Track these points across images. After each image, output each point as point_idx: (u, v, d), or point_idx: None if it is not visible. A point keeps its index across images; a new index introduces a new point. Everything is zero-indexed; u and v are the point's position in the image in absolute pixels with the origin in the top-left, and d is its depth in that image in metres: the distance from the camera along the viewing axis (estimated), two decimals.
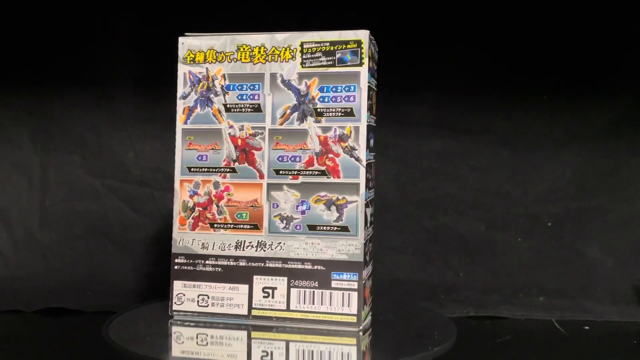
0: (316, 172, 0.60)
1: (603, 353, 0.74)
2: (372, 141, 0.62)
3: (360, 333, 0.58)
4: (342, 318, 0.59)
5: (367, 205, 0.61)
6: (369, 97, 0.60)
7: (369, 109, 0.60)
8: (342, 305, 0.59)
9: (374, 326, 0.62)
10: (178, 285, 0.63)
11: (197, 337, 0.59)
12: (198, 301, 0.63)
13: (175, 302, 0.63)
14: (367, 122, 0.60)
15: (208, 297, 0.62)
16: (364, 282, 0.59)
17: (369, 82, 0.60)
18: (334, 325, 0.59)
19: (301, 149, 0.61)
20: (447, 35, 0.98)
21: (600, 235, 0.97)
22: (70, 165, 0.98)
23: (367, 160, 0.60)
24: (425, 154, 1.00)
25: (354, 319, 0.58)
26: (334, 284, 0.59)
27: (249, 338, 0.59)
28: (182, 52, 0.67)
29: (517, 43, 0.98)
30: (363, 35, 0.59)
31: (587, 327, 0.83)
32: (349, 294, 0.59)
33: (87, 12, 0.97)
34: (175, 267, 0.63)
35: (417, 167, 1.00)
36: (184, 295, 0.63)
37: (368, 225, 0.62)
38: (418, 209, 1.00)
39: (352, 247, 0.59)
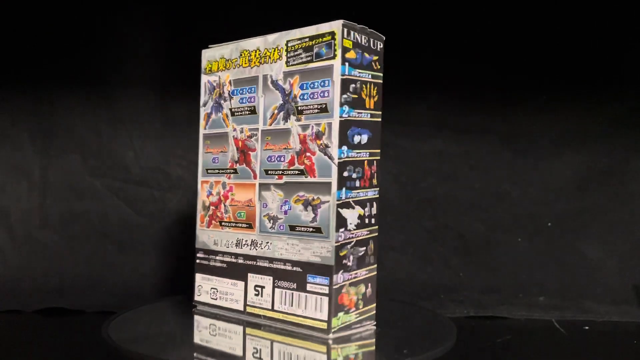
0: (296, 172, 0.59)
1: (603, 353, 0.74)
2: (361, 138, 0.58)
3: (330, 341, 0.55)
4: (314, 323, 0.56)
5: (345, 206, 0.56)
6: (352, 90, 0.57)
7: (347, 103, 0.56)
8: (315, 310, 0.56)
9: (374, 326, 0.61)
10: (198, 278, 0.67)
11: (209, 327, 0.61)
12: (210, 294, 0.66)
13: (196, 294, 0.67)
14: (345, 117, 0.56)
15: (217, 291, 0.65)
16: (338, 287, 0.56)
17: (349, 75, 0.56)
18: (307, 329, 0.57)
19: (285, 148, 0.60)
20: (448, 35, 0.98)
21: (600, 235, 0.98)
22: (70, 165, 0.98)
23: (344, 158, 0.56)
24: (425, 154, 1.00)
25: (324, 326, 0.55)
26: (309, 287, 0.57)
27: (244, 334, 0.59)
28: (203, 63, 0.69)
29: (517, 43, 0.98)
30: (336, 26, 0.56)
31: (587, 327, 0.83)
32: (320, 298, 0.56)
33: (87, 12, 0.97)
34: (197, 260, 0.67)
35: (417, 167, 1.00)
36: (202, 287, 0.67)
37: (350, 227, 0.57)
38: (418, 209, 1.00)
39: (324, 249, 0.56)
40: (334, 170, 0.56)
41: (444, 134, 1.00)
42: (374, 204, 0.60)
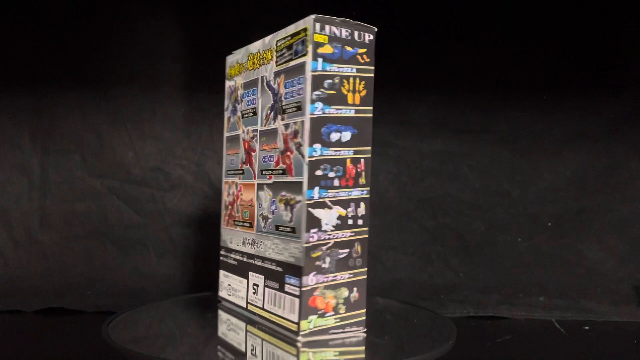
0: (280, 171, 0.58)
1: (603, 353, 0.74)
2: (341, 135, 0.56)
3: (299, 344, 0.54)
4: (288, 324, 0.56)
5: (319, 206, 0.55)
6: (327, 86, 0.55)
7: (320, 99, 0.54)
8: (290, 311, 0.55)
9: (374, 326, 0.61)
10: (221, 275, 0.70)
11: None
12: (227, 290, 0.68)
13: (219, 289, 0.70)
14: (318, 114, 0.54)
15: (231, 287, 0.67)
16: (308, 289, 0.54)
17: (323, 70, 0.54)
18: (284, 330, 0.56)
19: (274, 148, 0.60)
20: (448, 35, 0.98)
21: (600, 235, 0.98)
22: (70, 165, 0.98)
23: (316, 157, 0.54)
24: (425, 154, 1.00)
25: (294, 327, 0.55)
26: (286, 287, 0.56)
27: (246, 331, 0.60)
28: (226, 69, 0.71)
29: (517, 43, 0.98)
30: (308, 22, 0.54)
31: (587, 327, 0.83)
32: (293, 299, 0.55)
33: (87, 12, 0.97)
34: (220, 258, 0.70)
35: (417, 167, 1.00)
36: (222, 283, 0.69)
37: (326, 228, 0.55)
38: (418, 209, 1.00)
39: (296, 250, 0.55)
40: (305, 169, 0.54)
41: (444, 134, 1.00)
42: (362, 204, 0.57)
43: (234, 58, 0.69)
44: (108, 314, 0.64)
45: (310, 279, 0.55)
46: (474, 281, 0.96)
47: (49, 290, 0.90)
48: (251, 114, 0.64)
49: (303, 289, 0.54)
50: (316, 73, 0.54)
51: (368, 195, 0.58)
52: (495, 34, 0.98)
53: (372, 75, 0.58)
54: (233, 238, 0.67)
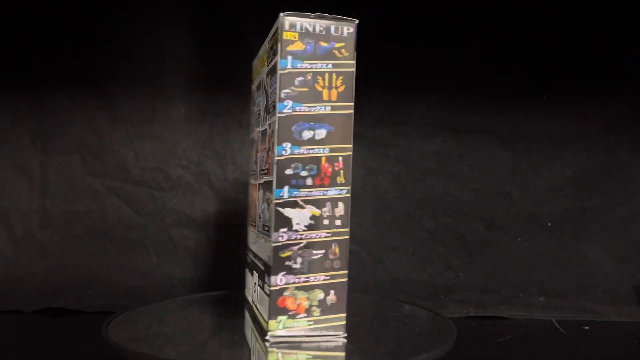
0: (265, 171, 0.59)
1: (603, 353, 0.74)
2: (315, 133, 0.54)
3: (267, 344, 0.54)
4: (263, 323, 0.56)
5: (289, 205, 0.54)
6: (298, 84, 0.54)
7: (289, 97, 0.54)
8: (264, 311, 0.56)
9: (373, 325, 0.61)
10: (247, 273, 0.71)
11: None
12: (248, 288, 0.69)
13: (245, 287, 0.71)
14: (288, 112, 0.54)
15: (248, 284, 0.69)
16: (277, 289, 0.54)
17: (293, 68, 0.54)
18: (262, 329, 0.57)
19: (264, 148, 0.60)
20: (448, 36, 0.98)
21: (600, 235, 0.98)
22: (70, 165, 0.98)
23: (285, 156, 0.54)
24: (425, 154, 1.00)
25: (266, 326, 0.55)
26: (265, 286, 0.57)
27: (250, 328, 0.61)
28: (253, 72, 0.71)
29: (517, 44, 0.98)
30: (280, 22, 0.54)
31: (587, 327, 0.83)
32: (267, 299, 0.55)
33: (87, 12, 0.97)
34: (247, 257, 0.71)
35: (417, 167, 1.00)
36: (246, 281, 0.71)
37: (297, 227, 0.54)
38: (418, 209, 1.00)
39: (269, 249, 0.55)
40: (274, 167, 0.54)
41: (444, 134, 1.00)
42: (340, 204, 0.55)
43: (255, 61, 0.70)
44: (108, 314, 0.64)
45: (279, 279, 0.54)
46: (474, 281, 0.96)
47: (49, 290, 0.90)
48: (258, 115, 0.65)
49: (272, 288, 0.54)
50: (285, 71, 0.54)
51: (348, 195, 0.56)
52: (495, 34, 0.98)
53: (353, 69, 0.55)
54: (250, 237, 0.69)
